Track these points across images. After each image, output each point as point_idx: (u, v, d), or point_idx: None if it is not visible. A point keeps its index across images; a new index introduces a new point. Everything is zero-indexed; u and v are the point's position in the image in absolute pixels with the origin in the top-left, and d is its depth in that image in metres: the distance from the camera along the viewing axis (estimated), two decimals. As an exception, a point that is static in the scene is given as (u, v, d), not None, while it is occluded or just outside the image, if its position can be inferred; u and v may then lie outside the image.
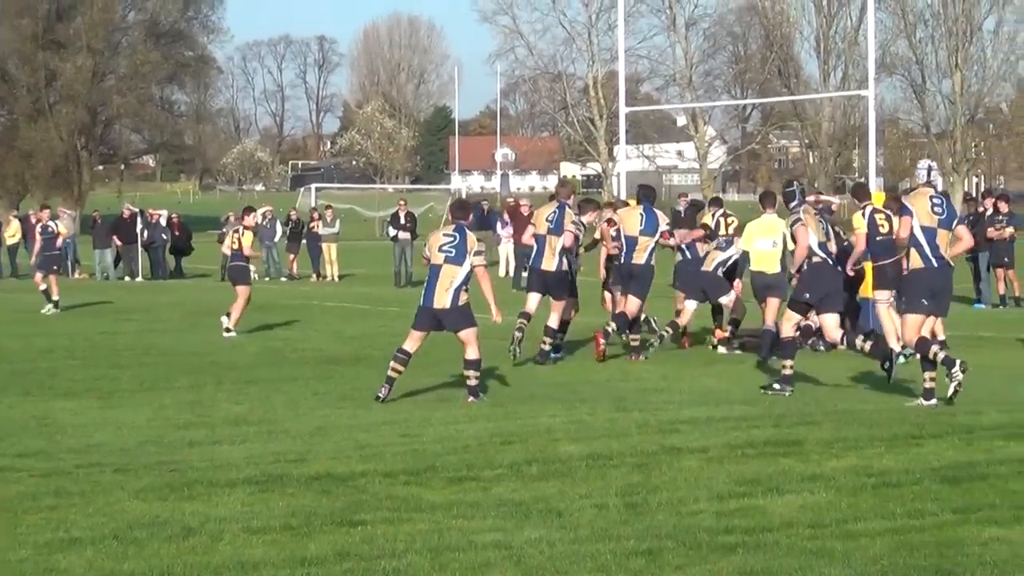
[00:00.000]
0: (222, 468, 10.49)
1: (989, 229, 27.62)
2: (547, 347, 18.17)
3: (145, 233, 41.98)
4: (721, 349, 19.64)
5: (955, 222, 14.00)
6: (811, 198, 21.71)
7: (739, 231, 19.52)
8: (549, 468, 10.34)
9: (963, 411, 12.57)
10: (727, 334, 19.65)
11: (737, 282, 19.73)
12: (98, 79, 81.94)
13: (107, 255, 42.64)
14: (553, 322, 18.21)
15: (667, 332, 19.06)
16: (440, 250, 14.52)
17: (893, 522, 8.64)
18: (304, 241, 42.39)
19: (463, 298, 14.44)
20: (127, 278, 41.55)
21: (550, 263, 18.17)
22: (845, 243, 18.96)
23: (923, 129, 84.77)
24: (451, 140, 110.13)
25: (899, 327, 15.52)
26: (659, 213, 18.97)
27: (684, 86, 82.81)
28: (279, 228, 42.36)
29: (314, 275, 41.30)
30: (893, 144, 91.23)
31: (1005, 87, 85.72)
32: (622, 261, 18.71)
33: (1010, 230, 27.79)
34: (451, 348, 14.96)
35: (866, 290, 19.40)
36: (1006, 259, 27.74)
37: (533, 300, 18.25)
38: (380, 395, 14.43)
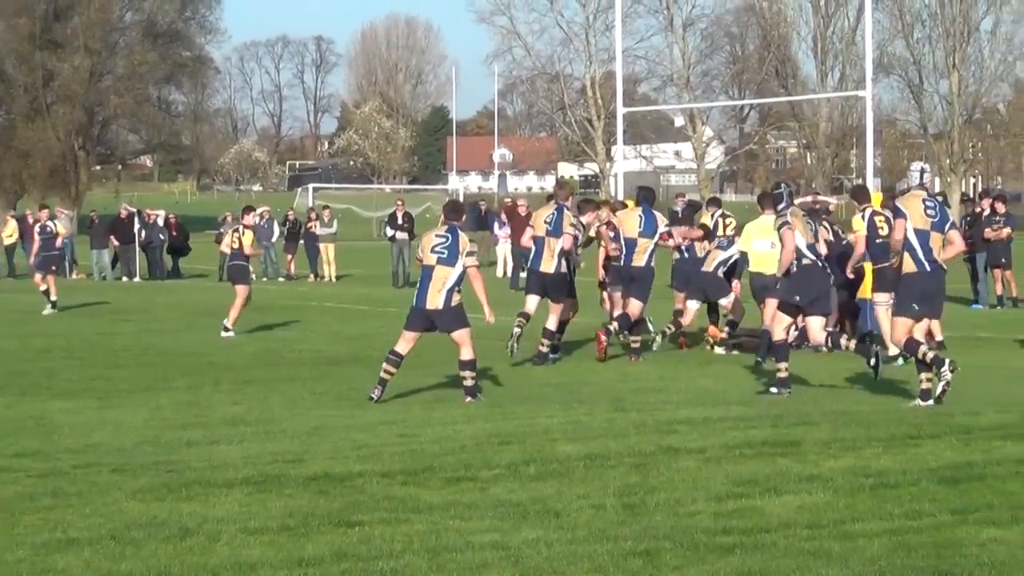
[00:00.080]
0: (219, 468, 10.49)
1: (986, 230, 27.61)
2: (545, 349, 18.16)
3: (143, 233, 41.95)
4: (719, 350, 19.64)
5: (948, 225, 14.02)
6: (809, 198, 21.83)
7: (738, 232, 19.53)
8: (547, 468, 10.34)
9: (961, 412, 12.56)
10: (723, 334, 19.64)
11: (736, 283, 19.72)
12: (95, 79, 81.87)
13: (104, 255, 42.63)
14: (551, 324, 18.21)
15: (669, 328, 19.10)
16: (432, 251, 14.55)
17: (891, 523, 8.64)
18: (302, 241, 42.36)
19: (456, 299, 14.46)
20: (124, 278, 41.54)
21: (549, 265, 18.16)
22: (844, 242, 19.00)
23: (920, 130, 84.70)
24: (449, 140, 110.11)
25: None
26: (658, 215, 18.97)
27: (682, 86, 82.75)
28: (277, 228, 42.35)
29: (311, 275, 41.28)
30: (890, 145, 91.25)
31: (1002, 88, 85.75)
32: (622, 264, 18.70)
33: (1007, 231, 27.77)
34: (448, 349, 14.97)
35: (865, 291, 19.41)
36: (1003, 260, 27.73)
37: (532, 302, 18.24)
38: (373, 396, 14.50)
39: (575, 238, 18.28)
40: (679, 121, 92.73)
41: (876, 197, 19.35)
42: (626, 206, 20.42)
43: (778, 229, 15.19)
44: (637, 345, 18.59)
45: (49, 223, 28.93)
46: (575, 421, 12.59)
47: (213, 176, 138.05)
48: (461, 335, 14.47)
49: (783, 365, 14.95)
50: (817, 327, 15.13)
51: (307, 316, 26.38)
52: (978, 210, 28.89)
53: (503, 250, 39.92)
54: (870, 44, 27.56)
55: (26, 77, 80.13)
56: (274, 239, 41.99)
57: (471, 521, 8.81)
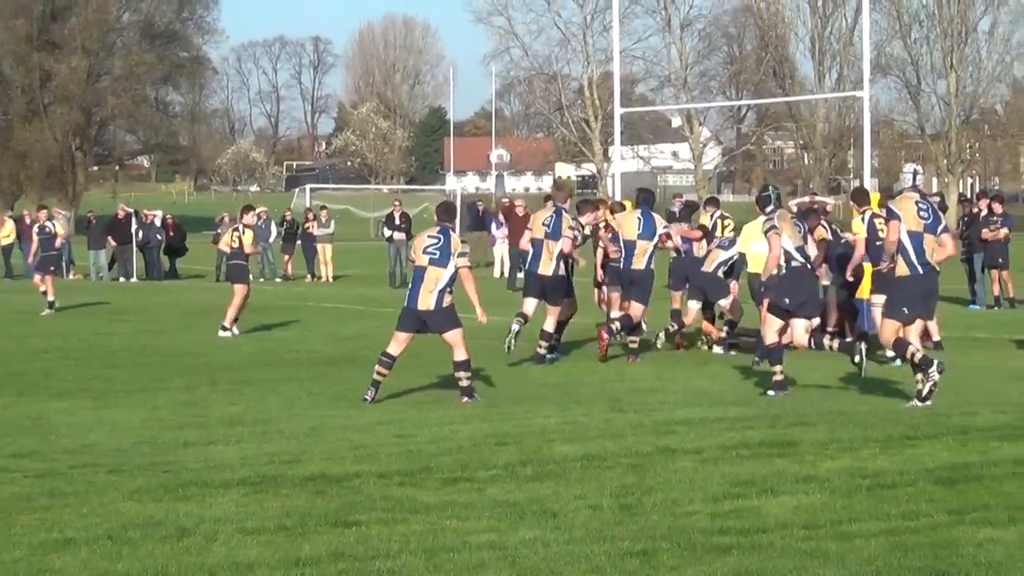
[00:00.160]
0: (216, 469, 10.49)
1: (983, 230, 27.62)
2: (543, 351, 18.15)
3: (140, 234, 41.94)
4: (717, 349, 19.65)
5: (940, 228, 14.03)
6: (806, 198, 21.83)
7: (737, 232, 19.52)
8: (544, 469, 10.34)
9: (957, 412, 12.57)
10: (722, 333, 19.64)
11: (734, 283, 19.72)
12: (93, 80, 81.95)
13: (102, 256, 42.61)
14: (549, 326, 18.20)
15: (672, 326, 19.13)
16: (424, 252, 14.56)
17: (888, 523, 8.64)
18: (299, 242, 42.33)
19: (447, 300, 14.47)
20: (122, 279, 41.53)
21: (547, 267, 18.15)
22: (843, 241, 19.01)
23: (918, 130, 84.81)
24: (446, 141, 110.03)
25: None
26: (657, 217, 18.96)
27: (679, 87, 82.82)
28: (274, 229, 42.33)
29: (309, 276, 41.27)
30: (888, 145, 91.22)
31: (1000, 88, 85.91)
32: (621, 267, 18.68)
33: (1004, 231, 27.77)
34: (445, 350, 14.96)
35: (863, 291, 19.41)
36: (1000, 260, 27.73)
37: (530, 305, 18.22)
38: (367, 398, 14.52)
39: (574, 241, 18.27)
40: (676, 121, 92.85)
41: (874, 198, 19.36)
42: (624, 207, 20.41)
43: (765, 232, 15.20)
44: (635, 346, 18.59)
45: (48, 224, 28.91)
46: (572, 421, 12.59)
47: (210, 177, 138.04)
48: (453, 336, 14.47)
49: (777, 368, 14.95)
50: (801, 330, 15.14)
51: (304, 316, 26.37)
52: (975, 211, 28.88)
53: (500, 250, 39.90)
54: (867, 45, 27.64)
55: (23, 78, 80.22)
56: (271, 239, 41.95)
57: (468, 521, 8.81)
